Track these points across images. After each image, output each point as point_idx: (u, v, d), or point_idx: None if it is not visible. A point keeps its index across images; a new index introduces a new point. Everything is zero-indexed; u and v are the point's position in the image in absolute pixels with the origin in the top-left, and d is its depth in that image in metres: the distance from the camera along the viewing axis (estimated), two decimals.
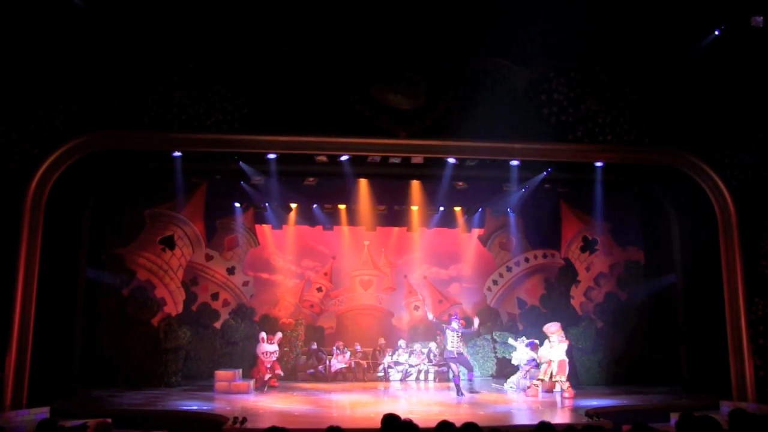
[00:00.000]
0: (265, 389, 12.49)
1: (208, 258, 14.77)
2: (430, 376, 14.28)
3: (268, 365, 12.77)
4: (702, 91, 11.01)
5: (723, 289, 11.06)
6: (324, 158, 11.93)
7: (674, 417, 8.42)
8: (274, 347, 12.93)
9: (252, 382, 12.52)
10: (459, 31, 10.58)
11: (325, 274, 15.53)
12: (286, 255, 15.38)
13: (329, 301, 15.40)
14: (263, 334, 12.98)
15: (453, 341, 12.05)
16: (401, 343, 14.55)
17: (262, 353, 12.78)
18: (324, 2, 10.11)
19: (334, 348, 14.27)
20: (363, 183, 13.82)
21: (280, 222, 15.18)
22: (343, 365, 14.08)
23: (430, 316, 12.59)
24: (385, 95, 10.70)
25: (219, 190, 14.27)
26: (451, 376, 12.54)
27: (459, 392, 11.74)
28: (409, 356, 14.35)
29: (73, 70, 10.28)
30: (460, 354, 12.17)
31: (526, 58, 10.90)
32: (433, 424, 4.77)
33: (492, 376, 14.67)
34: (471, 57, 10.85)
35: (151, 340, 13.11)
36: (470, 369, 12.56)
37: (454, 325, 12.16)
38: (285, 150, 11.25)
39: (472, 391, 12.15)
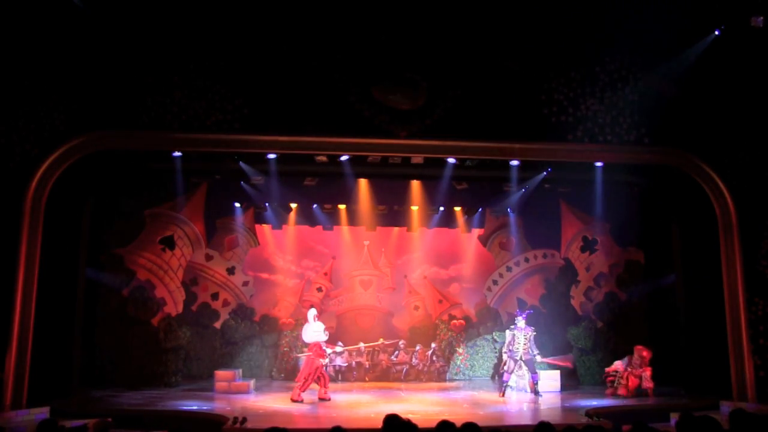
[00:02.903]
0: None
1: (208, 258, 14.77)
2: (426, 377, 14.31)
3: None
4: (702, 91, 11.00)
5: (723, 289, 11.05)
6: (324, 158, 11.93)
7: (674, 417, 8.43)
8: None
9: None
10: (459, 32, 10.57)
11: (325, 274, 15.53)
12: (286, 255, 15.37)
13: (329, 301, 15.39)
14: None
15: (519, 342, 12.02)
16: (400, 343, 14.56)
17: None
18: (324, 2, 10.11)
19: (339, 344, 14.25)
20: (363, 183, 13.81)
21: (280, 222, 15.17)
22: (344, 364, 14.08)
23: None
24: (385, 95, 10.69)
25: (219, 190, 14.27)
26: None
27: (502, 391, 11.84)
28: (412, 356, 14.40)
29: (73, 70, 10.28)
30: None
31: (526, 57, 10.89)
32: (433, 424, 4.77)
33: (491, 376, 14.67)
34: (471, 57, 10.84)
35: (151, 340, 13.10)
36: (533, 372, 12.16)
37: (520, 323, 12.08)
38: (285, 150, 11.24)
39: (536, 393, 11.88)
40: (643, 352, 12.11)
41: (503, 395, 11.83)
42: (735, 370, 10.79)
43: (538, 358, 12.03)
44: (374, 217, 15.11)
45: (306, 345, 11.83)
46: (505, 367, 12.29)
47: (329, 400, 11.22)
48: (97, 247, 13.16)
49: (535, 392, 11.83)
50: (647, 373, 11.95)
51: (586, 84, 11.05)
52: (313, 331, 11.44)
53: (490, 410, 10.63)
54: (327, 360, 11.69)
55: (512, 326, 12.39)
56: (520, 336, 12.03)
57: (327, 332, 11.65)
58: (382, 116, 10.72)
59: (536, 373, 12.03)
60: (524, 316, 12.26)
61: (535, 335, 12.14)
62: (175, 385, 12.91)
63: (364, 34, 10.63)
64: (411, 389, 13.08)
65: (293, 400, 10.98)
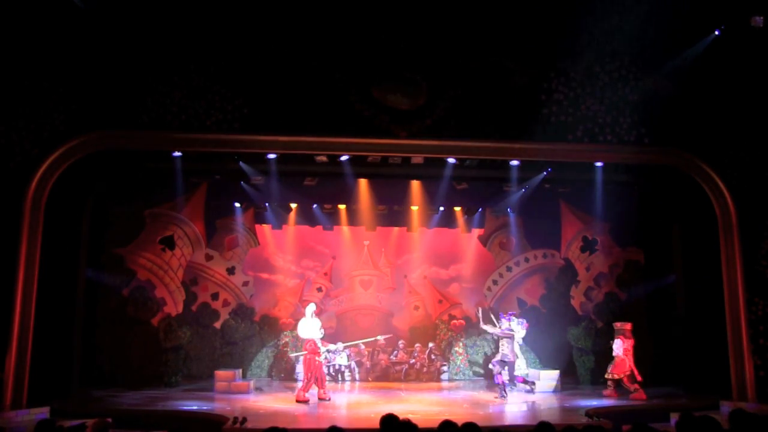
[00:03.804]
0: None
1: (208, 258, 14.77)
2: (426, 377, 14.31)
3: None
4: (702, 91, 11.00)
5: (723, 289, 11.06)
6: (324, 158, 11.92)
7: (674, 417, 8.42)
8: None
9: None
10: (459, 31, 10.58)
11: (325, 274, 15.53)
12: (286, 255, 15.37)
13: (329, 301, 15.40)
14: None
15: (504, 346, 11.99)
16: (400, 343, 14.57)
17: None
18: (324, 2, 10.11)
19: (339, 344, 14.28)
20: (363, 183, 13.81)
21: (280, 222, 15.17)
22: (345, 363, 14.09)
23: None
24: (385, 95, 10.69)
25: (219, 190, 14.28)
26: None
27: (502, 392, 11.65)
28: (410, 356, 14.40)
29: (73, 70, 10.28)
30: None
31: (526, 57, 10.89)
32: (433, 424, 4.78)
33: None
34: (471, 57, 10.84)
35: (151, 340, 13.12)
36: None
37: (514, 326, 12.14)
38: (285, 150, 11.24)
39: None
40: (624, 325, 12.26)
41: (501, 396, 11.68)
42: (735, 370, 10.79)
43: (519, 362, 12.19)
44: (374, 217, 15.12)
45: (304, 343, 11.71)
46: (496, 369, 12.05)
47: (329, 399, 11.19)
48: (97, 247, 13.16)
49: (527, 383, 11.82)
50: (630, 344, 12.08)
51: (586, 84, 11.05)
52: (309, 327, 11.31)
53: (490, 410, 10.63)
54: (322, 358, 11.56)
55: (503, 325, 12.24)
56: (505, 340, 11.89)
57: (323, 330, 11.56)
58: (382, 116, 10.72)
59: (518, 376, 12.04)
60: (509, 318, 12.22)
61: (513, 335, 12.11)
62: (175, 385, 12.90)
63: (364, 34, 10.62)
64: (411, 389, 13.08)
65: (298, 401, 10.94)
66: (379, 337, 13.78)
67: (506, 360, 11.87)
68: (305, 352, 11.29)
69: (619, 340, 12.18)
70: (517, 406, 11.12)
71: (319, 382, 11.24)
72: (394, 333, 15.01)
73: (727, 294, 11.00)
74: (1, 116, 10.06)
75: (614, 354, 12.09)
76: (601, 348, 13.59)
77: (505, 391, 11.71)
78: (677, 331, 12.86)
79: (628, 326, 12.30)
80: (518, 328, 12.55)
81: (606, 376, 12.12)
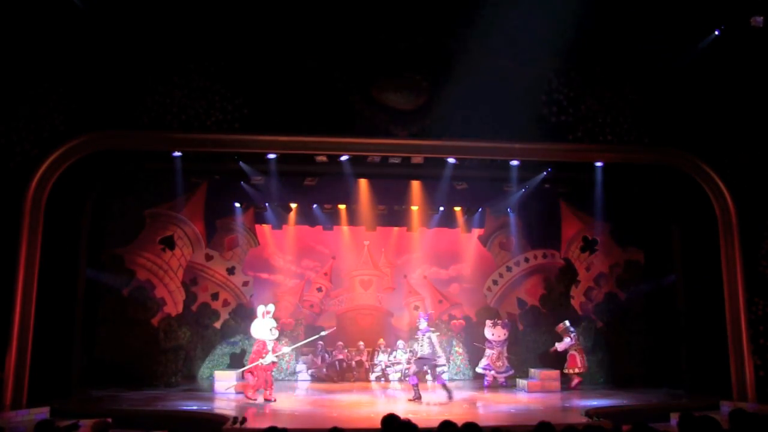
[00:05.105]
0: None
1: (208, 258, 14.76)
2: (428, 377, 14.27)
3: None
4: (702, 91, 11.00)
5: (723, 289, 11.06)
6: (324, 158, 11.93)
7: (674, 417, 8.44)
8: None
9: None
10: (459, 31, 10.58)
11: (325, 274, 15.53)
12: (286, 255, 15.36)
13: (329, 301, 15.39)
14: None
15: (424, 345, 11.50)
16: (399, 343, 14.57)
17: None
18: (324, 3, 10.11)
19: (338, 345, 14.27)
20: (363, 183, 13.81)
21: (280, 222, 15.16)
22: (342, 360, 14.09)
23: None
24: (386, 95, 10.69)
25: (219, 190, 14.27)
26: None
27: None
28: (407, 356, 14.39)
29: (73, 70, 10.28)
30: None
31: (526, 57, 10.89)
32: (432, 424, 4.78)
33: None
34: (471, 57, 10.83)
35: (151, 340, 13.11)
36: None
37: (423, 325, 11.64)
38: (285, 150, 11.25)
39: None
40: (564, 323, 13.48)
41: (416, 398, 11.27)
42: (735, 370, 10.79)
43: (441, 361, 11.85)
44: (374, 217, 15.11)
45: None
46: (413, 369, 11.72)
47: (253, 400, 11.07)
48: (97, 247, 13.15)
49: (446, 389, 11.46)
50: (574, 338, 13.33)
51: (586, 84, 11.05)
52: (259, 328, 11.42)
53: (490, 410, 10.63)
54: (267, 361, 11.31)
55: (417, 332, 11.80)
56: (424, 339, 11.51)
57: (276, 330, 11.53)
58: (382, 116, 10.72)
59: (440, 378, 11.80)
60: (426, 317, 11.91)
61: (438, 335, 11.97)
62: (175, 385, 12.91)
63: (364, 34, 10.62)
64: (411, 389, 13.03)
65: (247, 397, 11.13)
66: (323, 333, 13.23)
67: (427, 358, 11.43)
68: (253, 356, 11.37)
69: (567, 338, 13.18)
70: (517, 405, 11.12)
71: (266, 384, 11.20)
72: (394, 333, 15.03)
73: (727, 294, 11.01)
74: (1, 116, 10.06)
75: (562, 350, 13.20)
76: (601, 348, 13.62)
77: (418, 392, 11.32)
78: (677, 331, 12.86)
79: (568, 324, 13.43)
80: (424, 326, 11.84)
81: (569, 372, 13.06)
